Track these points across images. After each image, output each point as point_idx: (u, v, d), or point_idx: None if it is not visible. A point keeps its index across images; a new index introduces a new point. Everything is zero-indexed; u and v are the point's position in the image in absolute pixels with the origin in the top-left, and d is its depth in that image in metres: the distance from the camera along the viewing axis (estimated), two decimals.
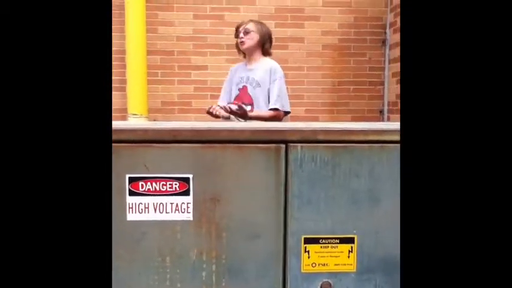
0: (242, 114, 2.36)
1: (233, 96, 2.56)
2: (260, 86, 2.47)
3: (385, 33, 4.17)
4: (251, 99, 2.48)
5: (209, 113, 2.45)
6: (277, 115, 2.45)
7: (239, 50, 2.58)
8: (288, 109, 2.50)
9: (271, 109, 2.44)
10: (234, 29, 2.59)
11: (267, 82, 2.48)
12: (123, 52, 3.82)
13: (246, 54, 2.57)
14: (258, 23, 2.58)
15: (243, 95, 2.52)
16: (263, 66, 2.51)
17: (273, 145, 0.94)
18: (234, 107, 2.36)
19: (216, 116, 2.43)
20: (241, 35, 2.50)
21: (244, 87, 2.51)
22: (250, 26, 2.50)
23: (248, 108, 2.44)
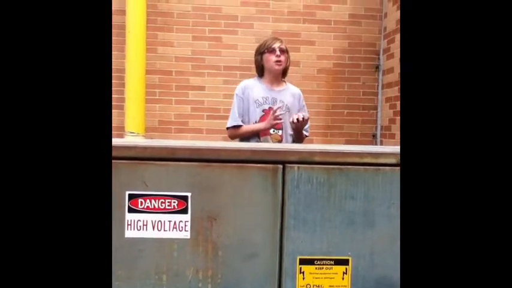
0: (300, 127, 2.28)
1: (257, 116, 2.34)
2: (289, 111, 2.35)
3: (379, 59, 4.26)
4: (280, 122, 2.33)
5: (274, 121, 2.25)
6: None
7: (260, 68, 2.40)
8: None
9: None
10: (262, 44, 2.38)
11: (295, 108, 2.40)
12: (123, 71, 3.86)
13: (266, 75, 2.39)
14: (283, 42, 2.46)
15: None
16: (290, 90, 2.43)
17: (271, 165, 0.95)
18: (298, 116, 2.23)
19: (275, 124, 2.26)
20: (278, 52, 2.33)
21: (271, 110, 2.31)
22: (284, 46, 2.37)
23: (280, 132, 2.35)
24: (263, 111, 2.36)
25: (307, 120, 2.28)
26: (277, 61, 2.35)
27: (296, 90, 2.47)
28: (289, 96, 2.42)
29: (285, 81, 2.49)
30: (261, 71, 2.44)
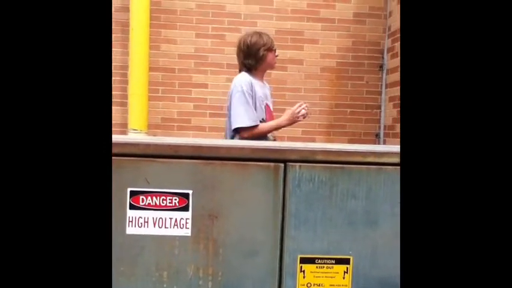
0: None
1: (263, 113, 2.34)
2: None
3: (383, 58, 4.24)
4: (273, 118, 2.41)
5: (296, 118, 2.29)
6: None
7: (259, 62, 2.37)
8: None
9: None
10: (267, 41, 2.37)
11: (270, 101, 2.50)
12: (126, 68, 3.86)
13: (261, 71, 2.42)
14: None
15: (271, 114, 2.42)
16: (267, 85, 2.54)
17: (272, 164, 0.95)
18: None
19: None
20: (277, 53, 2.43)
21: (267, 106, 2.39)
22: None
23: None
24: (263, 107, 2.36)
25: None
26: (275, 60, 2.44)
27: (267, 84, 2.57)
28: (268, 91, 2.50)
29: None
30: (256, 65, 2.38)
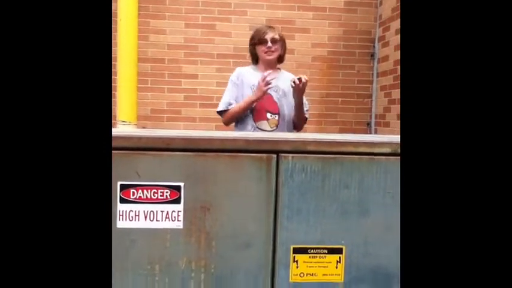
0: (301, 90, 2.31)
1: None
2: (286, 96, 2.43)
3: (374, 47, 4.24)
4: (277, 107, 2.41)
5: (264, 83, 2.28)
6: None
7: (254, 57, 2.47)
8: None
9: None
10: (254, 34, 2.46)
11: (291, 92, 2.44)
12: (114, 59, 3.80)
13: (261, 63, 2.46)
14: (277, 30, 2.52)
15: (268, 103, 2.41)
16: (285, 76, 2.51)
17: (265, 155, 0.95)
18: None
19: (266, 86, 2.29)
20: (270, 44, 2.41)
21: (269, 95, 2.39)
22: (277, 36, 2.46)
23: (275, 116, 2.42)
24: None
25: (306, 83, 2.32)
26: (268, 52, 2.42)
27: (290, 75, 2.51)
28: (285, 82, 2.44)
29: (279, 68, 2.54)
30: (255, 60, 2.50)
